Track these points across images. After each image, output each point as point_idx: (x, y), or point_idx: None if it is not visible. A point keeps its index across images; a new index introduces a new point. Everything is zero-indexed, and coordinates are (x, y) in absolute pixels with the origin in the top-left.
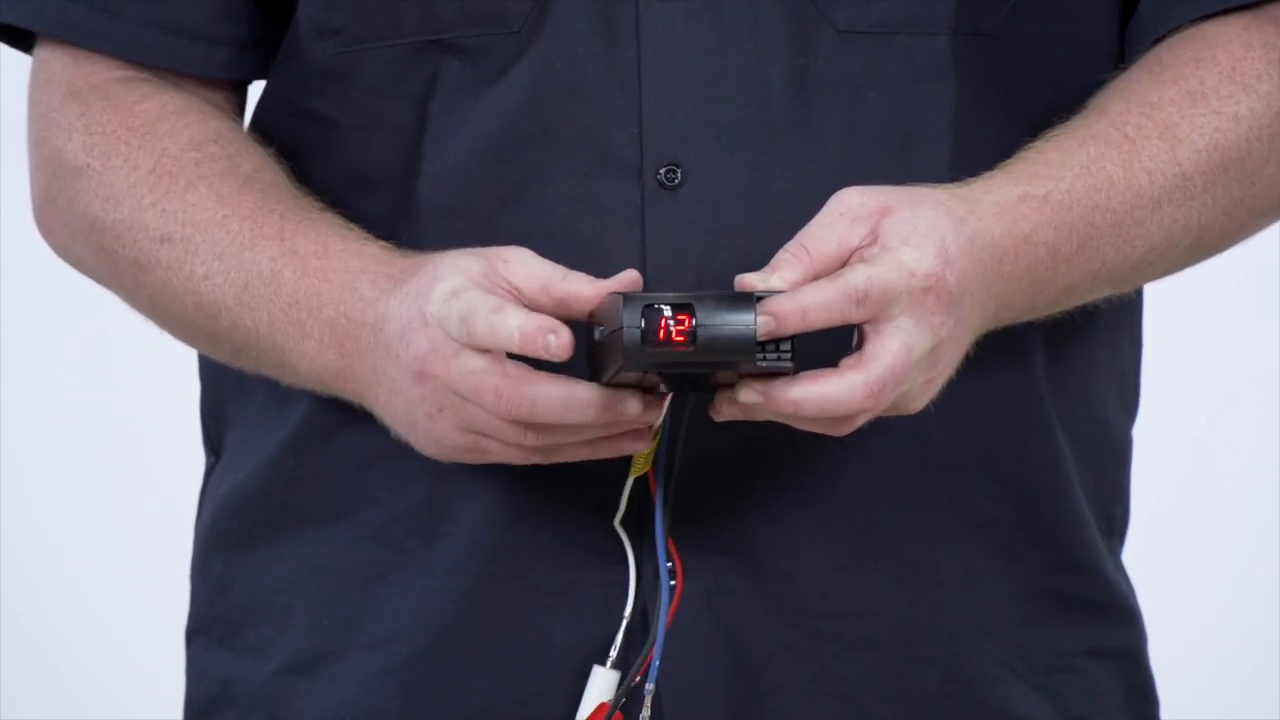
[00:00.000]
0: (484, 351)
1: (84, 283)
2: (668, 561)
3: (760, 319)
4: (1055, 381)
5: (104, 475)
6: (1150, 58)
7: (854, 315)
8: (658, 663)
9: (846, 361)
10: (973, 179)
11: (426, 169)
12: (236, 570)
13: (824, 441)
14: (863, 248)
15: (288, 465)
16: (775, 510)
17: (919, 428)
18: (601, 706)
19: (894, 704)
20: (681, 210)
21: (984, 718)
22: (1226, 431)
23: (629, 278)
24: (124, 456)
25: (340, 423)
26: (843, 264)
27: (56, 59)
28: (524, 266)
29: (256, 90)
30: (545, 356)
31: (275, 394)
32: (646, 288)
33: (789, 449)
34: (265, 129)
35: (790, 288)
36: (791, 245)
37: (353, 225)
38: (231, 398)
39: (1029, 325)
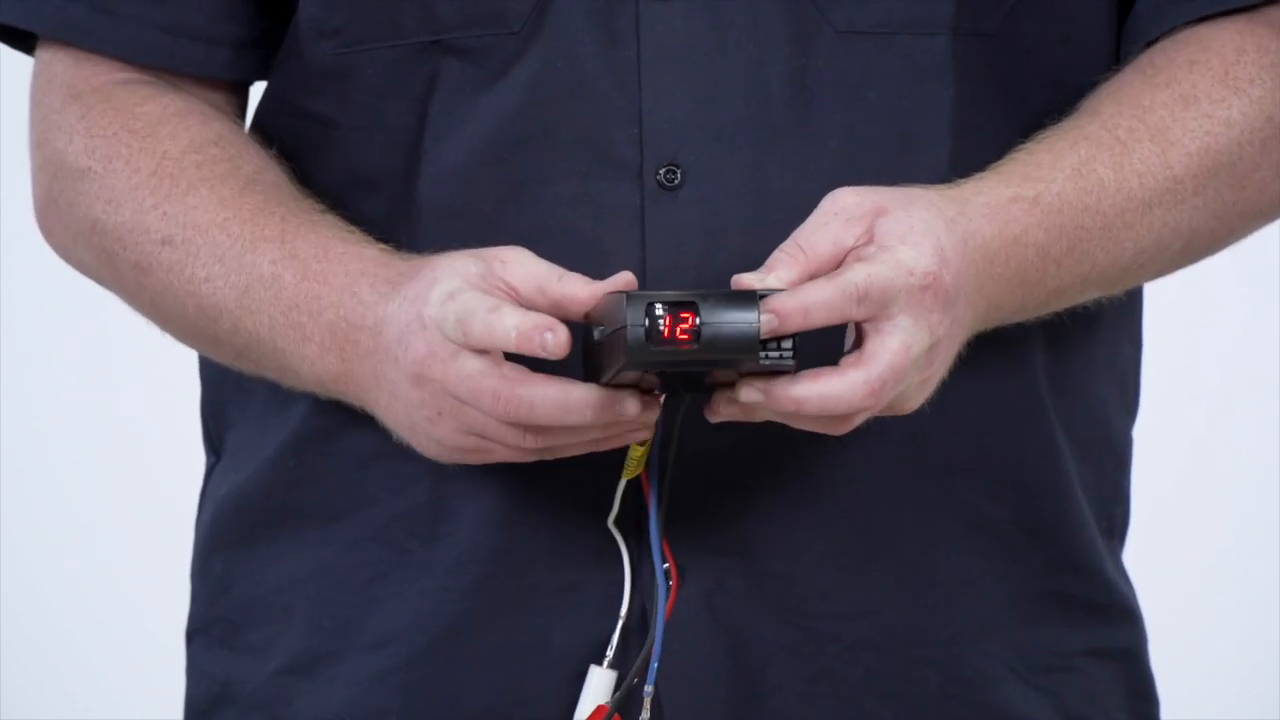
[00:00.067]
0: (481, 354)
1: (84, 283)
2: (663, 563)
3: (763, 317)
4: (1055, 381)
5: (104, 475)
6: (1144, 60)
7: (854, 313)
8: (656, 664)
9: (847, 360)
10: (963, 180)
11: (426, 169)
12: (237, 571)
13: (823, 441)
14: (858, 247)
15: (288, 466)
16: (774, 511)
17: (918, 427)
18: (600, 709)
19: (894, 704)
20: (681, 210)
21: (984, 718)
22: (1226, 431)
23: (624, 279)
24: (124, 456)
25: (340, 424)
26: (838, 264)
27: (58, 61)
28: (521, 267)
29: (257, 92)
30: (543, 355)
31: (275, 395)
32: (645, 288)
33: (787, 449)
34: (266, 130)
35: (788, 287)
36: (787, 245)
37: (353, 228)
38: (232, 399)
39: (1029, 325)
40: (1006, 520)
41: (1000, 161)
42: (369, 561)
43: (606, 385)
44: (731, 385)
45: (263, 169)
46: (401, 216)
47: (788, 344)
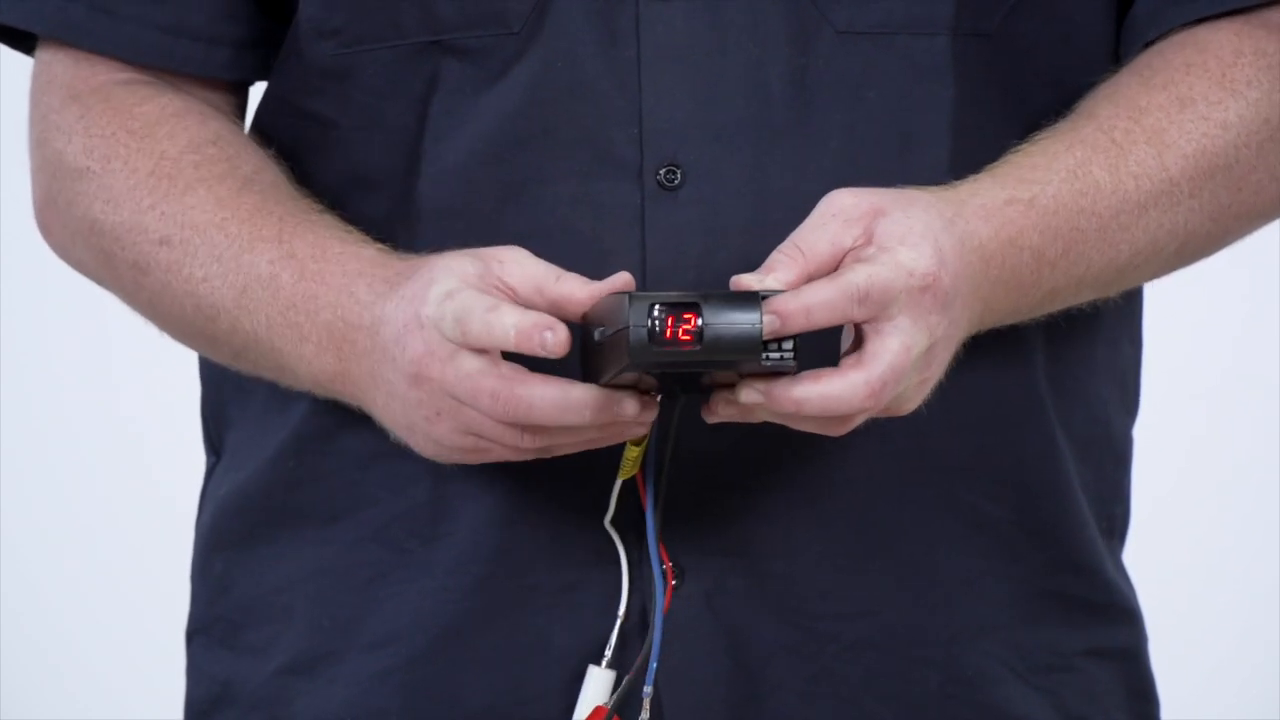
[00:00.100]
0: (480, 353)
1: (84, 283)
2: (661, 563)
3: (766, 318)
4: (1055, 381)
5: (104, 475)
6: (1140, 61)
7: (855, 314)
8: (654, 665)
9: (847, 361)
10: (958, 182)
11: (426, 169)
12: (237, 571)
13: (822, 442)
14: (856, 248)
15: (288, 466)
16: (774, 511)
17: (918, 428)
18: (598, 710)
19: (894, 704)
20: (681, 210)
21: (984, 718)
22: (1226, 431)
23: (622, 279)
24: (124, 456)
25: (340, 424)
26: (836, 265)
27: (57, 61)
28: (519, 267)
29: (257, 92)
30: (542, 354)
31: (275, 395)
32: (645, 288)
33: (786, 449)
34: (266, 130)
35: (787, 288)
36: (785, 246)
37: (351, 227)
38: (232, 399)
39: (1029, 325)
40: (1006, 520)
41: (995, 163)
42: (369, 561)
43: (605, 385)
44: (729, 386)
45: (261, 169)
46: (401, 216)
47: (789, 345)
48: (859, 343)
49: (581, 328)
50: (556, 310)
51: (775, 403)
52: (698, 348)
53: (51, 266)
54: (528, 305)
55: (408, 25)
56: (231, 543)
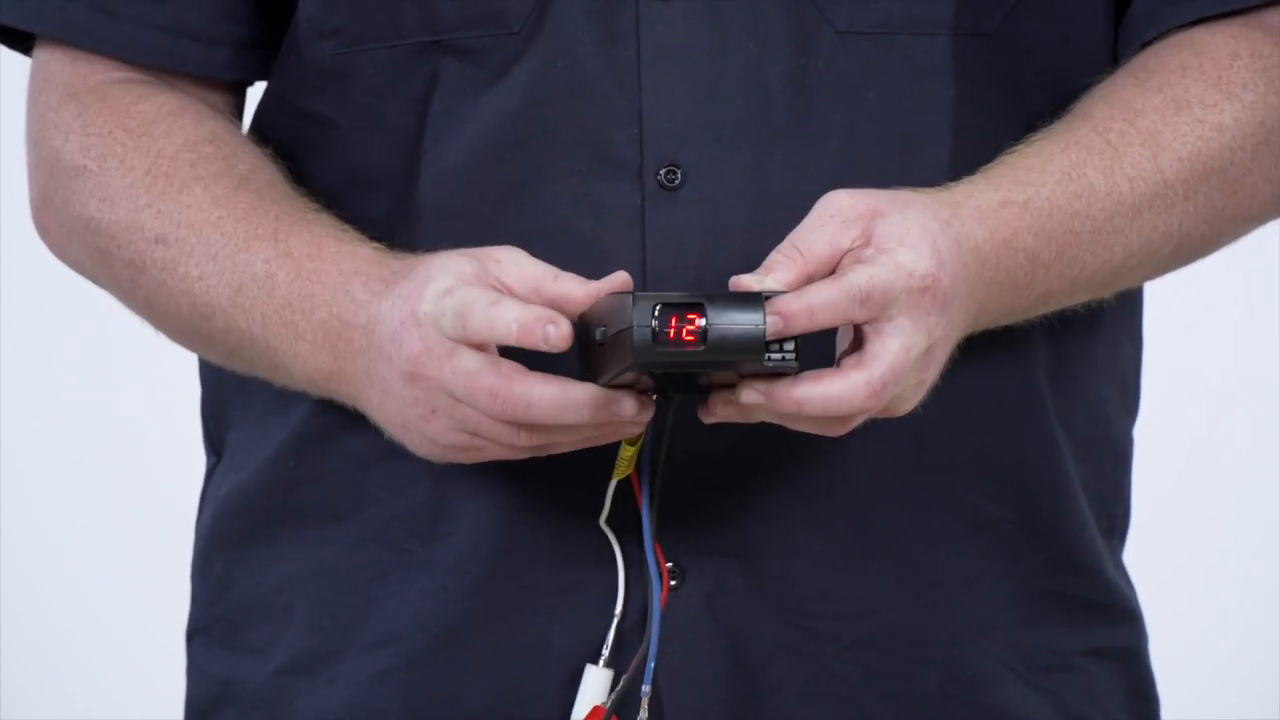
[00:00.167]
0: (478, 351)
1: (84, 283)
2: (657, 563)
3: (769, 318)
4: (1055, 381)
5: (104, 475)
6: (1137, 63)
7: (857, 315)
8: (652, 664)
9: (848, 361)
10: (954, 183)
11: (426, 169)
12: (237, 571)
13: (820, 442)
14: (854, 249)
15: (288, 466)
16: (773, 511)
17: (918, 428)
18: (597, 710)
19: (894, 704)
20: (681, 210)
21: (984, 718)
22: (1226, 431)
23: (620, 279)
24: (124, 456)
25: (340, 424)
26: (834, 266)
27: (55, 60)
28: (516, 266)
29: (257, 92)
30: (544, 348)
31: (276, 395)
32: (645, 288)
33: (784, 449)
34: (265, 130)
35: (786, 289)
36: (784, 247)
37: (347, 226)
38: (233, 399)
39: (1029, 325)
40: (1006, 520)
41: (990, 165)
42: (369, 562)
43: (604, 385)
44: (726, 386)
45: (257, 167)
46: (401, 216)
47: (790, 346)
48: (859, 343)
49: (579, 327)
50: (554, 310)
51: (776, 403)
52: (701, 348)
53: (51, 266)
54: None
55: (408, 25)
56: (232, 543)
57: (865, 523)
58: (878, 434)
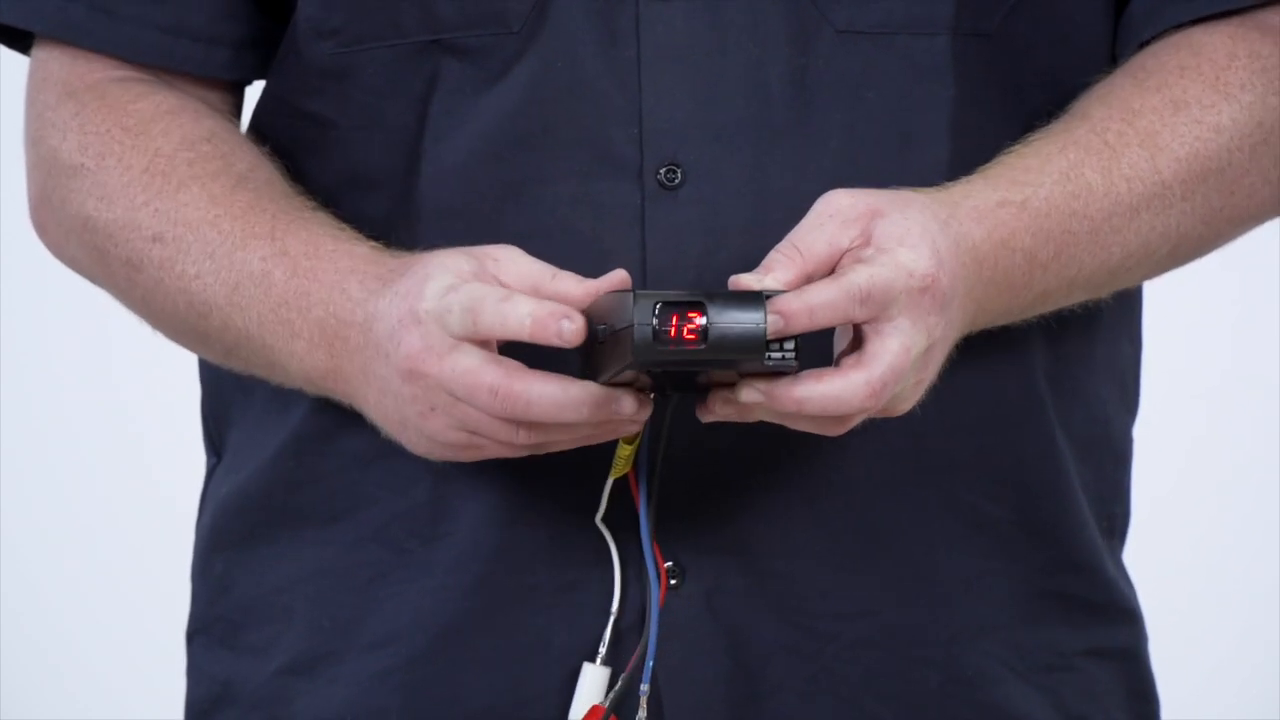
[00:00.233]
0: (478, 349)
1: (84, 282)
2: (654, 562)
3: (770, 317)
4: (1055, 381)
5: (104, 475)
6: (1135, 63)
7: (857, 315)
8: (650, 663)
9: (848, 361)
10: (952, 183)
11: (426, 169)
12: (237, 571)
13: (820, 442)
14: (854, 249)
15: (288, 466)
16: (772, 510)
17: (918, 427)
18: (595, 709)
19: (894, 704)
20: (681, 210)
21: (984, 717)
22: (1226, 431)
23: (618, 277)
24: (124, 456)
25: (339, 424)
26: (833, 265)
27: (54, 59)
28: (514, 265)
29: (256, 92)
30: (557, 343)
31: (276, 395)
32: (644, 287)
33: (784, 449)
34: (264, 130)
35: (786, 288)
36: (783, 246)
37: (344, 225)
38: (233, 399)
39: (1029, 325)
40: (1006, 520)
41: (988, 165)
42: (369, 561)
43: (604, 383)
44: (725, 385)
45: (255, 166)
46: (401, 216)
47: (790, 345)
48: (858, 343)
49: None
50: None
51: (776, 402)
52: (702, 346)
53: (51, 266)
54: None
55: (407, 25)
56: (232, 543)
57: (865, 522)
58: (877, 434)
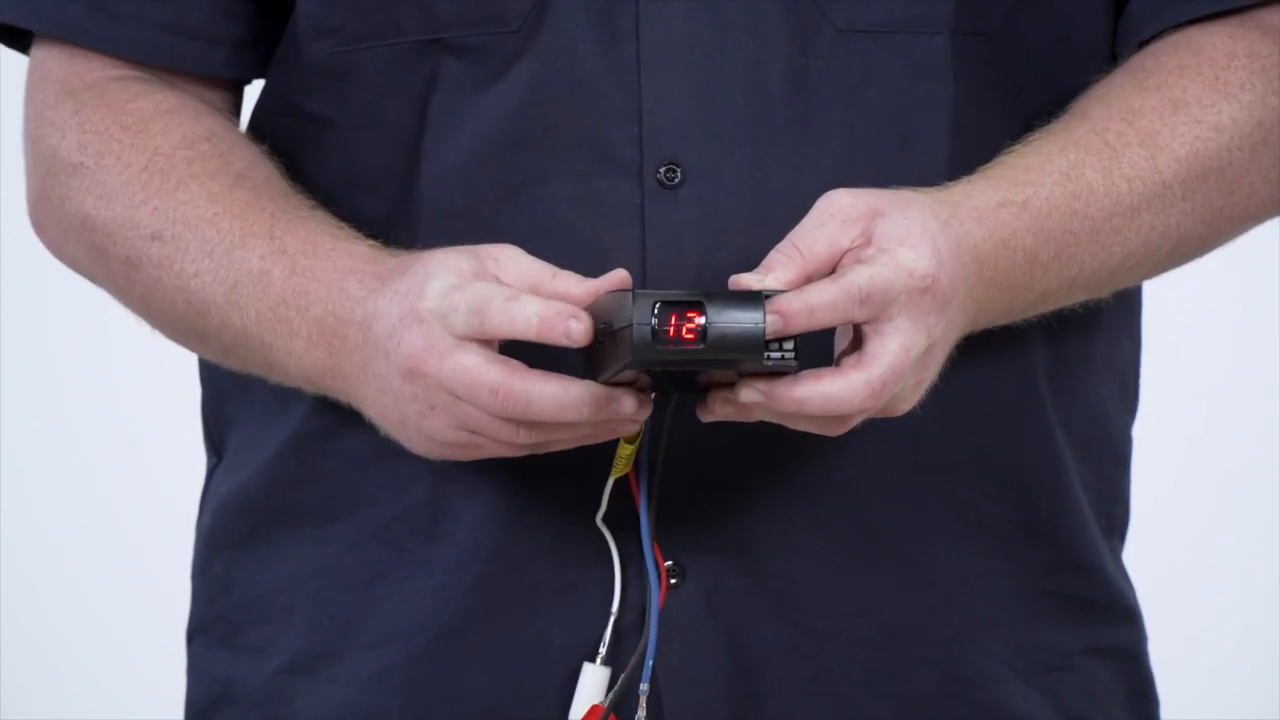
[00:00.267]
0: (479, 348)
1: (84, 282)
2: (654, 562)
3: (769, 317)
4: (1055, 380)
5: (104, 475)
6: (1134, 63)
7: (857, 315)
8: (650, 663)
9: (848, 361)
10: (952, 183)
11: (426, 169)
12: (237, 570)
13: (820, 441)
14: (854, 249)
15: (288, 466)
16: (772, 510)
17: (917, 427)
18: (595, 708)
19: (893, 703)
20: (681, 209)
21: (984, 717)
22: (1226, 431)
23: (618, 277)
24: (124, 456)
25: (340, 423)
26: (834, 265)
27: (53, 58)
28: (514, 264)
29: (255, 91)
30: (565, 343)
31: (276, 395)
32: (644, 287)
33: (784, 449)
34: (263, 129)
35: (786, 288)
36: (784, 246)
37: (343, 224)
38: (233, 399)
39: (1029, 324)
40: (1006, 519)
41: (988, 165)
42: (369, 561)
43: (604, 382)
44: (725, 385)
45: (254, 165)
46: (401, 216)
47: (789, 345)
48: (858, 343)
49: None
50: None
51: (776, 402)
52: (701, 346)
53: (51, 266)
54: None
55: (407, 24)
56: (232, 542)
57: (865, 522)
58: (877, 433)
